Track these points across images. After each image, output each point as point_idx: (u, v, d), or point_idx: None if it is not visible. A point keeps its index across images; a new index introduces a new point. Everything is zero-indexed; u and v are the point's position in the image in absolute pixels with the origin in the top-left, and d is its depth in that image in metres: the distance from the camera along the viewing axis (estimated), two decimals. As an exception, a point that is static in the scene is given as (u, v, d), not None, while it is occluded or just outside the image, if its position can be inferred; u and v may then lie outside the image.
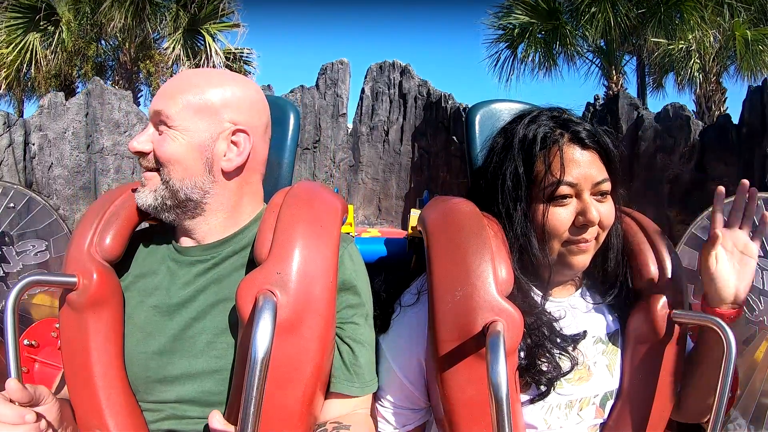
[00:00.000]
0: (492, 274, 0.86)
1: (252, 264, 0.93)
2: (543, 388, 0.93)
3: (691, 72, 8.70)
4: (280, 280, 0.86)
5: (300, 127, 1.31)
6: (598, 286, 1.09)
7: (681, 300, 1.00)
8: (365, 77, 8.47)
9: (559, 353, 0.96)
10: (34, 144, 6.57)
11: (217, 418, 0.79)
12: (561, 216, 0.95)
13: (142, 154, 0.99)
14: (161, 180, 0.98)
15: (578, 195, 0.95)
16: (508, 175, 0.99)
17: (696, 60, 8.53)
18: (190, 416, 0.94)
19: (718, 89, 8.69)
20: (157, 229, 1.11)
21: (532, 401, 0.95)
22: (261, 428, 0.72)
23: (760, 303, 1.24)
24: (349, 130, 8.17)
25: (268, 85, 8.21)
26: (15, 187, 1.29)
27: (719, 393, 0.87)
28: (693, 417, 1.07)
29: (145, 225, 1.11)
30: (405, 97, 8.12)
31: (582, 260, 0.98)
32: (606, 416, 1.01)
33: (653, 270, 1.02)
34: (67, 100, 6.90)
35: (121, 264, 1.02)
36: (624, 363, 1.02)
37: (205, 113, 0.98)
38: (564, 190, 0.94)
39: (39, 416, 0.82)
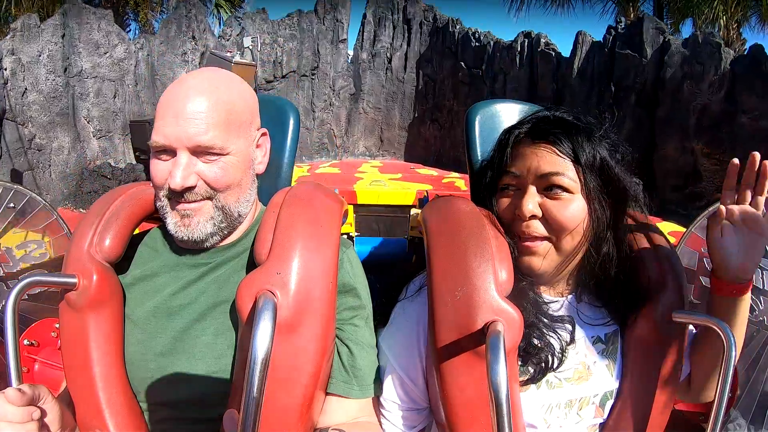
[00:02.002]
0: (492, 274, 0.86)
1: (252, 266, 0.93)
2: (537, 369, 0.94)
3: (715, 12, 8.21)
4: (280, 280, 0.86)
5: (299, 126, 1.30)
6: (595, 290, 1.07)
7: (681, 300, 1.00)
8: (367, 2, 8.14)
9: (550, 333, 0.96)
10: (5, 69, 5.95)
11: (233, 416, 0.77)
12: (503, 205, 0.96)
13: (187, 189, 0.93)
14: (215, 207, 0.96)
15: (520, 186, 0.95)
16: (487, 167, 1.04)
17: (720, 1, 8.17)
18: (190, 417, 0.94)
19: (738, 38, 8.35)
20: (157, 228, 1.11)
21: (526, 383, 0.95)
22: (261, 428, 0.72)
23: (760, 303, 1.23)
24: (350, 57, 7.80)
25: (263, 9, 7.80)
26: (15, 187, 1.29)
27: (719, 393, 0.86)
28: (696, 400, 1.10)
29: (144, 225, 1.11)
30: (409, 22, 7.79)
31: (532, 262, 0.94)
32: (605, 416, 1.01)
33: (653, 270, 1.02)
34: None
35: (121, 264, 1.02)
36: (624, 363, 1.02)
37: (243, 129, 0.98)
38: (506, 179, 0.96)
39: (41, 414, 0.82)
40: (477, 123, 1.26)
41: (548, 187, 0.92)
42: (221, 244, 1.03)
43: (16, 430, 0.77)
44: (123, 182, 2.23)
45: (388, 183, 3.35)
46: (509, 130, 1.01)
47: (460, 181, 3.66)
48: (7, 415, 0.77)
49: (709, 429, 0.86)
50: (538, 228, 0.92)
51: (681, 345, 1.00)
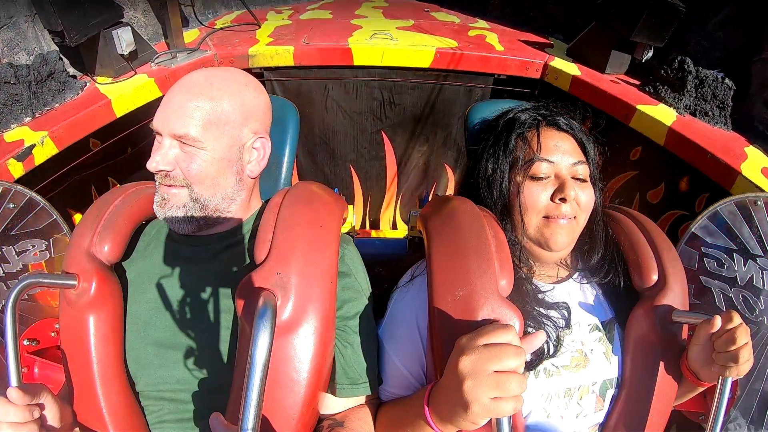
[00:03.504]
0: (492, 275, 0.86)
1: (250, 259, 0.94)
2: (533, 356, 0.95)
3: None
4: (280, 280, 0.86)
5: (299, 127, 1.31)
6: (589, 273, 1.11)
7: (681, 300, 1.00)
8: None
9: (545, 321, 0.98)
10: None
11: (219, 420, 0.79)
12: (539, 190, 1.01)
13: (164, 172, 0.98)
14: (191, 198, 0.99)
15: (557, 174, 1.02)
16: (490, 153, 1.09)
17: None
18: (190, 406, 0.95)
19: None
20: (158, 220, 1.12)
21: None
22: (261, 428, 0.72)
23: (760, 303, 1.23)
24: None
25: None
26: (15, 187, 1.29)
27: (719, 393, 0.87)
28: None
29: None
30: None
31: (561, 238, 1.00)
32: (605, 406, 1.02)
33: (653, 270, 1.02)
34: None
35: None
36: (624, 362, 1.02)
37: (227, 129, 1.00)
38: (542, 166, 1.01)
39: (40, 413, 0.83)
40: (478, 123, 1.26)
41: (573, 175, 1.03)
42: (217, 232, 1.05)
43: (17, 429, 0.77)
44: (33, 83, 1.62)
45: (396, 36, 2.52)
46: (522, 122, 1.08)
47: (491, 36, 2.71)
48: (8, 414, 0.77)
49: (708, 429, 0.86)
50: (572, 209, 1.01)
51: (681, 345, 1.00)
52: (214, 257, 1.02)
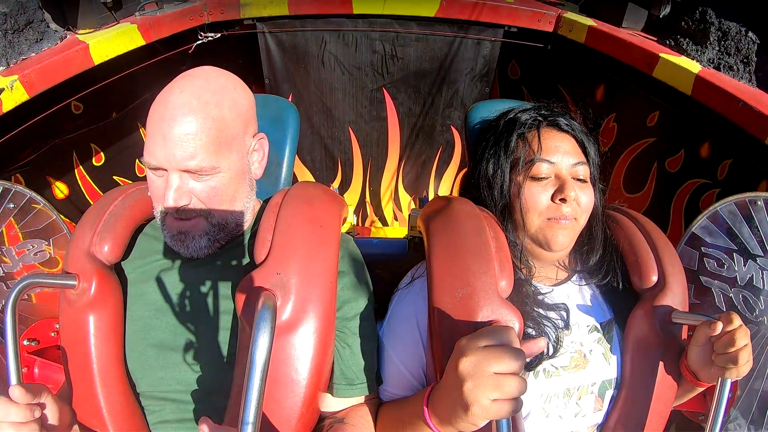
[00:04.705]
0: (492, 275, 0.86)
1: (251, 259, 0.94)
2: (532, 357, 0.94)
3: None
4: (280, 280, 0.86)
5: (299, 126, 1.31)
6: (588, 274, 1.11)
7: (681, 300, 1.00)
8: None
9: (544, 322, 0.99)
10: None
11: (208, 423, 0.74)
12: (539, 191, 1.01)
13: (181, 206, 0.94)
14: (210, 223, 0.97)
15: (557, 174, 1.02)
16: (491, 153, 1.08)
17: None
18: (191, 406, 0.95)
19: None
20: (155, 221, 1.12)
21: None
22: (261, 428, 0.72)
23: (760, 303, 1.23)
24: None
25: None
26: (15, 187, 1.29)
27: (719, 393, 0.87)
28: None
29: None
30: None
31: (562, 238, 1.00)
32: (605, 407, 1.02)
33: (653, 270, 1.02)
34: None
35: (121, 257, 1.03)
36: (623, 363, 1.02)
37: (235, 143, 0.97)
38: (543, 167, 1.01)
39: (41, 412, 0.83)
40: (478, 123, 1.26)
41: (574, 175, 1.03)
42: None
43: (18, 429, 0.78)
44: (9, 32, 1.19)
45: None
46: (523, 122, 1.08)
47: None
48: (9, 414, 0.77)
49: (708, 429, 0.86)
50: (572, 210, 1.01)
51: (680, 346, 1.00)
52: (214, 258, 1.02)
